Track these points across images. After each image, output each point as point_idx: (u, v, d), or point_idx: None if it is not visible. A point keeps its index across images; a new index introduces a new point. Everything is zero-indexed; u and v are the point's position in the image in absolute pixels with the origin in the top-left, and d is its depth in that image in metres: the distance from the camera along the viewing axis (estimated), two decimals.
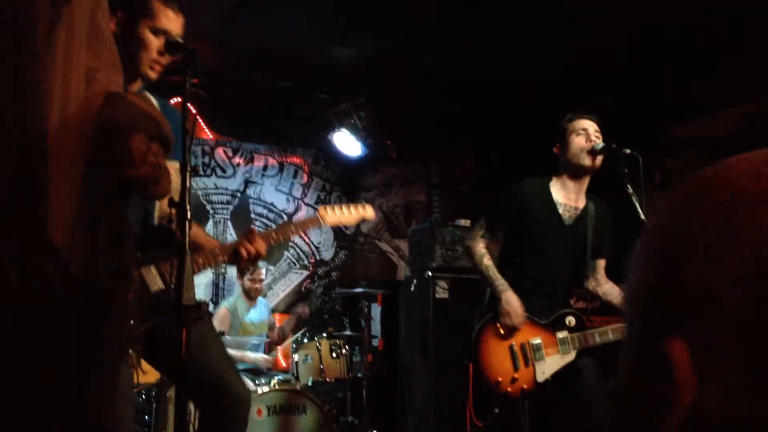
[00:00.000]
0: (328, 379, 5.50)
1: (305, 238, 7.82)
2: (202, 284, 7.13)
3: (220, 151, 7.58)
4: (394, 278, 7.72)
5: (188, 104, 2.25)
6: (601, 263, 3.78)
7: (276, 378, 5.50)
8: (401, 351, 6.16)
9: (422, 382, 5.77)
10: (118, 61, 1.43)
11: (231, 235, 7.45)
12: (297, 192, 7.90)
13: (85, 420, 1.26)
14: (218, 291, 7.22)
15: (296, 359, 5.66)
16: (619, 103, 6.18)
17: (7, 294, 1.25)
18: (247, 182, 7.66)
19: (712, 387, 0.55)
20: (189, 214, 2.07)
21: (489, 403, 3.62)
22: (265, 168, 7.77)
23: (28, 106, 1.26)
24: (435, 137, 7.79)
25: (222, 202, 7.53)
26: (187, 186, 2.10)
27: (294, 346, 5.87)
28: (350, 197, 8.12)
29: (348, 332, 6.06)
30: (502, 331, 3.56)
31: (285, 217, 7.76)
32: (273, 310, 6.88)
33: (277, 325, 6.66)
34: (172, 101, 3.14)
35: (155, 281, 2.57)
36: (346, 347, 5.67)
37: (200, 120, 7.27)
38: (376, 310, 6.74)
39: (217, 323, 6.07)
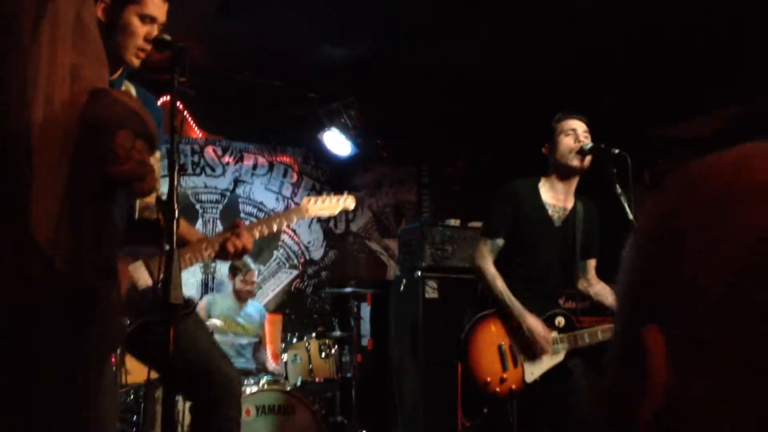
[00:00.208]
0: (317, 379, 5.49)
1: (295, 237, 7.81)
2: (191, 283, 7.11)
3: (209, 150, 7.55)
4: (384, 278, 7.72)
5: (177, 102, 2.24)
6: (592, 263, 3.79)
7: (265, 378, 5.49)
8: (391, 351, 6.15)
9: (412, 381, 5.76)
10: (104, 57, 1.42)
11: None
12: (287, 191, 7.88)
13: (70, 418, 1.25)
14: (207, 290, 7.20)
15: (285, 359, 5.65)
16: (610, 103, 6.20)
17: None
18: (237, 181, 7.64)
19: (705, 383, 0.54)
20: (176, 213, 2.07)
21: (478, 403, 3.61)
22: (254, 167, 7.75)
23: (12, 101, 1.25)
24: (425, 137, 7.79)
25: (211, 201, 7.51)
26: (175, 185, 2.09)
27: (283, 346, 5.86)
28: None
29: (337, 332, 6.05)
30: (492, 331, 3.56)
31: None
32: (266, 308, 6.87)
33: (267, 330, 6.65)
34: (161, 100, 3.14)
35: (144, 278, 2.55)
36: (336, 347, 5.66)
37: (189, 118, 7.25)
38: (365, 309, 6.73)
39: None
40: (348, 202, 3.36)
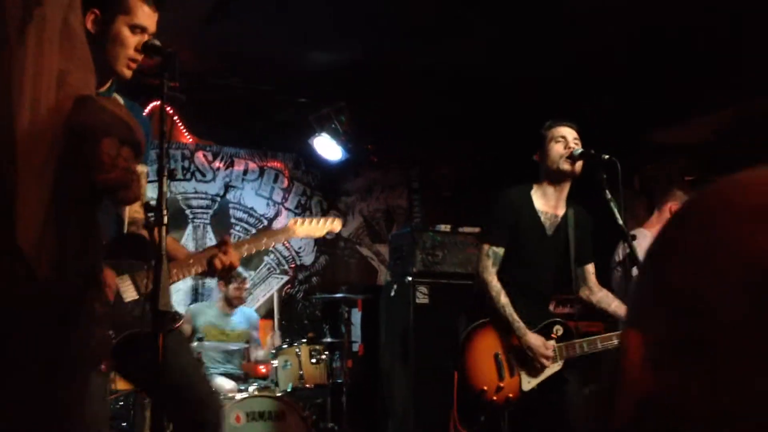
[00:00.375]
0: (308, 385, 5.47)
1: (285, 242, 7.79)
2: (181, 290, 7.08)
3: (199, 155, 7.53)
4: (375, 283, 7.71)
5: (166, 107, 2.23)
6: (590, 269, 3.77)
7: (255, 384, 5.47)
8: (381, 356, 6.14)
9: (402, 387, 5.75)
10: (90, 63, 1.41)
11: (211, 239, 7.41)
12: (277, 196, 7.87)
13: (52, 422, 1.24)
14: (197, 296, 7.18)
15: (276, 365, 5.63)
16: (607, 104, 6.22)
17: None
18: (227, 186, 7.62)
19: (698, 383, 0.55)
20: (166, 218, 2.06)
21: (474, 411, 3.60)
22: (245, 172, 7.74)
23: None
24: (416, 141, 7.80)
25: (202, 207, 7.48)
26: (164, 190, 2.08)
27: (273, 352, 5.85)
28: (331, 202, 8.11)
29: (328, 338, 6.04)
30: (488, 339, 3.55)
31: (265, 221, 7.73)
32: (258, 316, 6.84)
33: (259, 336, 6.64)
34: (151, 105, 3.14)
35: (129, 291, 2.55)
36: (326, 353, 5.65)
37: (180, 124, 7.23)
38: (356, 315, 6.72)
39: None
40: (335, 224, 3.40)
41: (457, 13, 5.33)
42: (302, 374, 5.47)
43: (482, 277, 3.58)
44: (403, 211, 8.38)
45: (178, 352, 2.64)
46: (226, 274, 2.77)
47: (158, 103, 2.23)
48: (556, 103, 6.16)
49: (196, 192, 7.47)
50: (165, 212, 2.07)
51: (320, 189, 8.08)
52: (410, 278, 5.78)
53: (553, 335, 3.59)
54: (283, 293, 7.73)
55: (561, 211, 3.70)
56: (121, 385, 4.16)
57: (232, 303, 6.27)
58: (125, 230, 2.64)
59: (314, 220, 3.31)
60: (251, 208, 7.71)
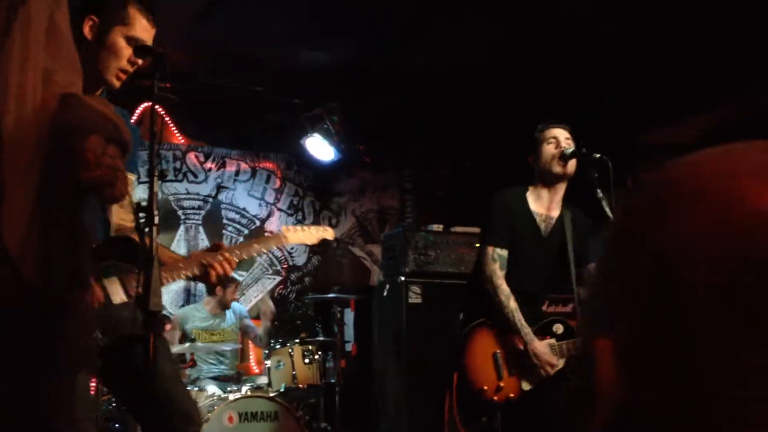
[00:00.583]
0: (300, 385, 5.47)
1: (285, 245, 7.77)
2: (173, 290, 7.07)
3: (191, 156, 7.51)
4: (367, 283, 7.71)
5: (158, 108, 2.22)
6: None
7: (248, 384, 5.47)
8: (374, 356, 6.14)
9: (395, 387, 5.75)
10: (77, 62, 1.40)
11: (203, 240, 7.39)
12: (270, 197, 7.86)
13: (40, 424, 1.24)
14: (189, 297, 7.16)
15: (269, 365, 5.62)
16: (593, 109, 6.24)
17: None
18: (219, 187, 7.60)
19: (651, 393, 0.55)
20: (156, 219, 2.05)
21: (474, 411, 3.60)
22: (237, 173, 7.72)
23: None
24: (408, 142, 7.80)
25: (193, 208, 7.46)
26: (155, 191, 2.08)
27: (266, 352, 5.84)
28: (323, 202, 8.10)
29: (321, 338, 6.03)
30: (487, 339, 3.56)
31: (257, 222, 7.71)
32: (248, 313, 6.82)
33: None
34: (142, 106, 3.14)
35: (118, 293, 2.54)
36: (319, 353, 5.65)
37: (171, 125, 7.21)
38: (349, 315, 6.72)
39: (168, 331, 6.03)
40: (327, 233, 3.41)
41: (451, 12, 5.34)
42: (295, 374, 5.46)
43: (492, 281, 3.56)
44: (395, 211, 8.38)
45: (160, 362, 2.61)
46: (220, 282, 2.79)
47: (149, 104, 2.23)
48: (550, 103, 6.17)
49: (187, 193, 7.45)
50: (156, 213, 2.07)
51: (312, 189, 8.07)
52: (403, 278, 5.79)
53: (552, 333, 3.59)
54: (276, 294, 7.72)
55: (555, 213, 3.71)
56: None
57: (227, 306, 6.26)
58: (112, 234, 2.64)
59: (306, 228, 3.33)
60: (243, 209, 7.70)
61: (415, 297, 5.76)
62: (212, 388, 5.32)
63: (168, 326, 5.93)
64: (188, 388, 5.34)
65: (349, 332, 6.68)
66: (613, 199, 3.35)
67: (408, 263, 5.84)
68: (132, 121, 6.07)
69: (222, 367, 6.02)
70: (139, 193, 2.97)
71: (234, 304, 6.41)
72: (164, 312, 6.67)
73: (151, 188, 2.08)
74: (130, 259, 2.55)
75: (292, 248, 7.89)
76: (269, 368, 5.60)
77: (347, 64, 6.25)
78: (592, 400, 0.63)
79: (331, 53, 6.16)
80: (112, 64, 2.47)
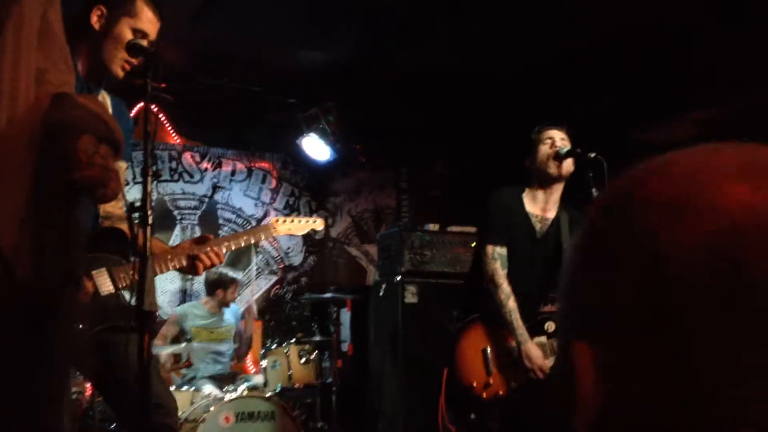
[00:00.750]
0: (297, 385, 5.47)
1: (274, 243, 7.78)
2: (169, 291, 7.06)
3: (187, 156, 7.51)
4: (364, 283, 7.70)
5: (151, 108, 2.23)
6: None
7: (244, 384, 5.46)
8: (371, 356, 6.14)
9: (392, 387, 5.76)
10: (70, 61, 1.40)
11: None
12: (266, 197, 7.85)
13: (33, 421, 1.23)
14: (185, 297, 7.15)
15: (265, 365, 5.62)
16: (588, 108, 6.24)
17: None
18: (215, 187, 7.59)
19: (631, 401, 0.55)
20: (150, 219, 2.05)
21: (462, 408, 3.60)
22: (233, 173, 7.72)
23: None
24: (404, 141, 7.80)
25: (189, 208, 7.45)
26: (149, 190, 2.08)
27: (262, 352, 5.84)
28: (319, 202, 8.10)
29: (317, 338, 6.03)
30: (478, 334, 3.57)
31: (253, 222, 7.71)
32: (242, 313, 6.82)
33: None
34: (137, 106, 3.13)
35: (106, 285, 2.55)
36: (315, 353, 5.65)
37: (167, 124, 7.21)
38: (345, 315, 6.71)
39: (166, 327, 6.03)
40: (317, 223, 3.44)
41: (450, 12, 5.34)
42: (291, 374, 5.46)
43: (493, 280, 3.57)
44: (391, 210, 8.37)
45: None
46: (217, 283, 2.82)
47: (143, 103, 2.24)
48: (548, 102, 6.18)
49: (183, 193, 7.44)
50: (150, 212, 2.07)
51: (308, 189, 8.06)
52: (399, 278, 5.79)
53: (544, 331, 3.60)
54: (272, 294, 7.71)
55: (551, 214, 3.71)
56: None
57: (227, 305, 6.26)
58: (99, 224, 2.65)
59: (296, 219, 3.36)
60: (239, 209, 7.69)
61: (411, 297, 5.77)
62: (209, 388, 5.32)
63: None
64: (184, 388, 5.34)
65: (346, 332, 6.68)
66: None
67: (404, 263, 5.84)
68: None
69: (218, 366, 6.02)
70: (134, 193, 2.98)
71: (232, 305, 6.41)
72: (160, 312, 6.67)
73: (144, 188, 2.08)
74: (118, 251, 2.57)
75: (288, 248, 7.89)
76: (265, 368, 5.60)
77: (343, 64, 6.25)
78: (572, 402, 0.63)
79: (327, 53, 6.16)
80: (117, 54, 2.51)
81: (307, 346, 5.65)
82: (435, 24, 5.57)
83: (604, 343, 0.57)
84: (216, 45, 5.97)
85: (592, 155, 3.45)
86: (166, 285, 6.97)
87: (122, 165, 2.20)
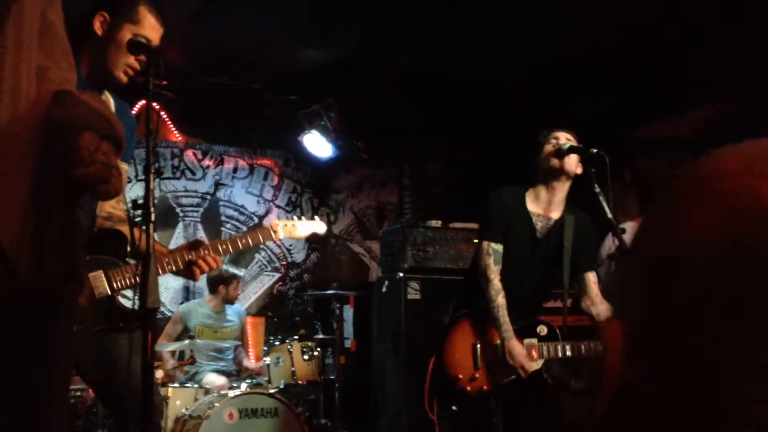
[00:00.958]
0: (300, 382, 5.47)
1: (276, 240, 7.78)
2: (172, 288, 7.07)
3: (189, 154, 7.51)
4: (366, 280, 7.70)
5: (152, 105, 2.23)
6: (590, 278, 3.69)
7: (248, 381, 5.47)
8: (374, 352, 6.15)
9: (395, 383, 5.76)
10: (71, 59, 1.40)
11: (201, 238, 7.38)
12: (268, 194, 7.85)
13: (34, 420, 1.24)
14: (189, 295, 7.16)
15: (268, 362, 5.63)
16: (590, 104, 6.23)
17: None
18: (217, 184, 7.60)
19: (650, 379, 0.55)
20: (153, 216, 2.06)
21: (446, 398, 3.62)
22: (235, 170, 7.72)
23: None
24: (406, 138, 7.79)
25: (192, 205, 7.46)
26: (151, 188, 2.08)
27: (266, 348, 5.85)
28: (321, 199, 8.10)
29: (320, 334, 6.04)
30: (470, 329, 3.57)
31: (256, 219, 7.71)
32: (246, 311, 6.83)
33: (249, 333, 6.64)
34: (139, 103, 3.15)
35: (102, 286, 2.56)
36: (318, 349, 5.65)
37: (169, 122, 7.21)
38: (348, 311, 6.71)
39: (170, 325, 6.04)
40: (318, 226, 3.46)
41: (449, 11, 5.33)
42: (294, 371, 5.47)
43: (485, 275, 3.57)
44: (393, 207, 8.37)
45: (133, 353, 2.62)
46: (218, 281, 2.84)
47: (145, 101, 2.24)
48: (545, 102, 6.18)
49: (186, 190, 7.45)
50: (152, 210, 2.07)
51: (310, 186, 8.06)
52: (401, 274, 5.79)
53: (535, 334, 3.59)
54: (275, 290, 7.72)
55: (555, 215, 3.68)
56: None
57: (231, 302, 6.28)
58: (97, 226, 2.66)
59: (297, 222, 3.34)
60: (241, 206, 7.69)
61: (413, 293, 5.77)
62: (212, 376, 5.34)
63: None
64: (187, 384, 5.36)
65: (348, 328, 6.68)
66: (610, 193, 3.34)
67: (406, 259, 5.84)
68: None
69: (222, 363, 6.03)
70: (137, 190, 3.00)
71: (235, 306, 6.43)
72: (163, 309, 6.69)
73: (147, 185, 2.08)
74: (116, 253, 2.59)
75: (290, 245, 7.89)
76: (268, 365, 5.61)
77: (345, 62, 6.25)
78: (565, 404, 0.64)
79: (328, 50, 6.16)
80: (120, 59, 2.53)
81: (310, 343, 5.65)
82: (435, 24, 5.56)
83: (629, 329, 0.58)
84: (216, 44, 5.98)
85: (594, 151, 3.45)
86: (170, 282, 6.98)
87: (124, 166, 2.21)
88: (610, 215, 3.32)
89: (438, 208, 7.32)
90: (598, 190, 3.40)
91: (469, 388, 3.51)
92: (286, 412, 4.91)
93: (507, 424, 3.55)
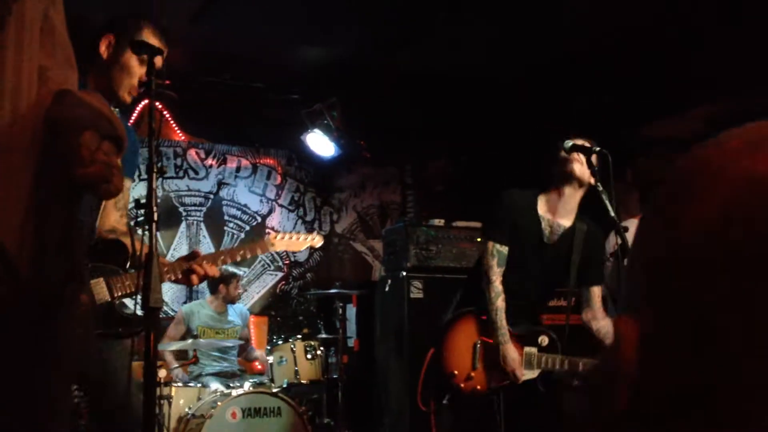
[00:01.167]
0: (303, 381, 5.48)
1: (273, 252, 7.78)
2: (174, 287, 7.07)
3: (192, 153, 7.51)
4: (369, 279, 7.70)
5: (157, 104, 2.24)
6: (595, 292, 3.68)
7: (251, 380, 5.48)
8: (377, 351, 6.15)
9: (398, 382, 5.76)
10: (72, 59, 1.41)
11: (205, 237, 7.40)
12: (271, 193, 7.85)
13: (36, 423, 1.24)
14: (192, 294, 7.16)
15: (271, 361, 5.63)
16: (592, 102, 6.23)
17: None
18: (220, 184, 7.60)
19: (664, 379, 0.55)
20: (155, 215, 2.07)
21: (439, 391, 3.63)
22: (238, 169, 7.72)
23: None
24: (409, 137, 7.79)
25: (195, 204, 7.47)
26: (154, 187, 2.09)
27: (269, 348, 5.85)
28: (324, 198, 8.10)
29: (323, 333, 6.04)
30: (473, 327, 3.57)
31: (258, 218, 7.72)
32: (249, 311, 6.83)
33: (253, 332, 6.65)
34: (142, 103, 3.16)
35: (103, 293, 2.58)
36: (321, 348, 5.66)
37: (172, 122, 7.22)
38: (351, 310, 6.72)
39: (173, 326, 6.04)
40: (315, 240, 3.51)
41: (449, 11, 5.33)
42: (297, 370, 5.47)
43: (487, 276, 3.57)
44: (396, 206, 8.37)
45: (120, 362, 2.63)
46: (200, 282, 2.88)
47: (148, 100, 2.25)
48: (545, 102, 6.18)
49: (189, 190, 7.45)
50: (155, 209, 2.08)
51: (313, 185, 8.06)
52: (404, 273, 5.79)
53: (536, 344, 3.57)
54: (278, 290, 7.73)
55: (566, 222, 3.64)
56: None
57: (233, 301, 6.28)
58: (103, 237, 2.69)
59: (294, 235, 3.41)
60: (245, 205, 7.70)
61: (416, 292, 5.77)
62: (215, 385, 5.34)
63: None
64: (191, 384, 5.36)
65: (352, 328, 6.69)
66: (613, 191, 3.34)
67: (409, 258, 5.84)
68: (132, 119, 6.09)
69: (225, 363, 6.04)
70: (140, 190, 3.02)
71: (237, 306, 6.43)
72: (165, 309, 6.70)
73: (150, 185, 2.09)
74: (117, 262, 2.61)
75: None
76: (272, 364, 5.62)
77: (347, 61, 6.25)
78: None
79: (330, 49, 6.16)
80: (124, 81, 2.60)
81: (313, 342, 5.66)
82: (435, 24, 5.56)
83: (643, 313, 0.57)
84: (216, 44, 5.98)
85: (597, 149, 3.44)
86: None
87: (126, 183, 2.24)
88: (612, 213, 3.31)
89: (439, 207, 7.32)
90: (600, 188, 3.40)
91: (463, 386, 3.51)
92: (290, 412, 4.91)
93: (508, 422, 3.55)
